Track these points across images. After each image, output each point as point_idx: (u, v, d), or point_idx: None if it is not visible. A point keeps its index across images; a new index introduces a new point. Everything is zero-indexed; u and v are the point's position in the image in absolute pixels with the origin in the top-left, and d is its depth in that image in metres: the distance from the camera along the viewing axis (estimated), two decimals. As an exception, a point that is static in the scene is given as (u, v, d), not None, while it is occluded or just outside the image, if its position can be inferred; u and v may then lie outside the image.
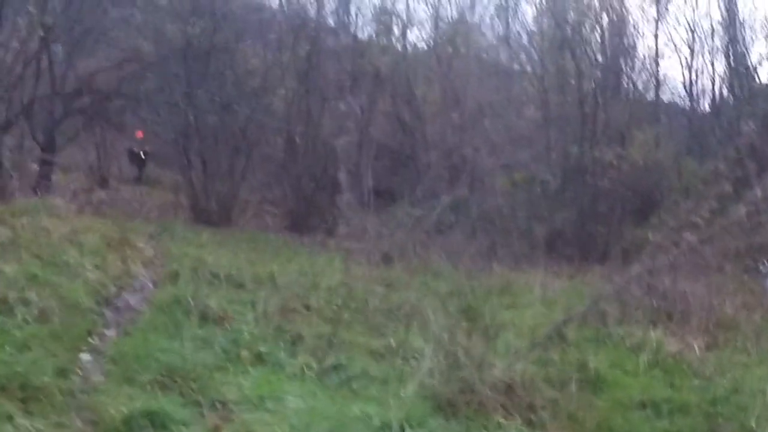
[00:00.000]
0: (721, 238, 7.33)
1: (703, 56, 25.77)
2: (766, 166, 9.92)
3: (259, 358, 7.39)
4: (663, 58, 24.91)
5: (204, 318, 8.47)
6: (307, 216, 21.58)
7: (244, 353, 7.43)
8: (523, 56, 25.79)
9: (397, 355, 7.79)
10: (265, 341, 7.84)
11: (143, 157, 26.87)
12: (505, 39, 27.06)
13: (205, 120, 21.62)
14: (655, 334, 9.21)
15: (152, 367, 6.67)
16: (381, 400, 6.44)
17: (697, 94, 26.48)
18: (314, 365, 7.34)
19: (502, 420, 6.29)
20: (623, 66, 25.01)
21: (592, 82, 23.24)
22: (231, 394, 6.36)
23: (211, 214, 21.61)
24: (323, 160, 22.28)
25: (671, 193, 21.03)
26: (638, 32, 25.76)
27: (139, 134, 25.79)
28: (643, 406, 7.18)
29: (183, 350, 7.17)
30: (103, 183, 24.33)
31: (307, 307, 9.46)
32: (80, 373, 6.49)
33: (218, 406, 6.17)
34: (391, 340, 8.10)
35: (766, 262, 16.35)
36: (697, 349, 8.93)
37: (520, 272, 14.87)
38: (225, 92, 21.94)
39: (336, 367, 7.30)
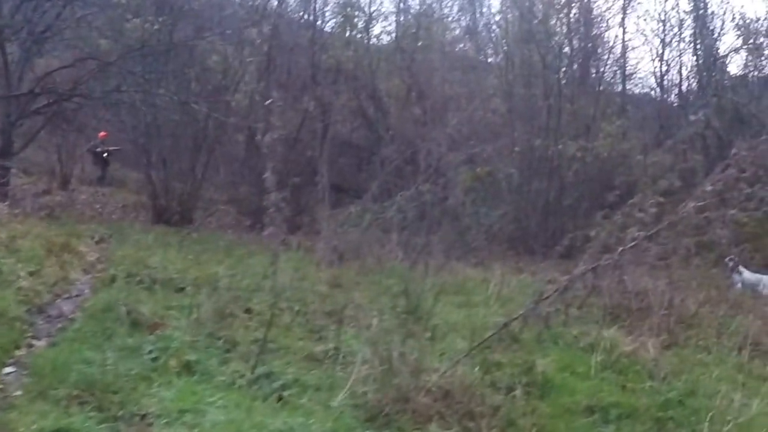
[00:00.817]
0: (671, 233, 6.92)
1: (671, 48, 25.55)
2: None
3: (187, 368, 6.93)
4: (632, 49, 24.63)
5: (135, 325, 8.03)
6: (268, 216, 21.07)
7: (172, 362, 6.98)
8: (488, 49, 25.42)
9: (336, 361, 7.36)
10: (196, 349, 7.39)
11: (106, 157, 26.51)
12: (471, 32, 26.67)
13: (165, 119, 21.28)
14: (609, 334, 8.81)
15: (71, 380, 6.24)
16: (310, 410, 6.08)
17: (668, 86, 26.30)
18: (246, 373, 6.88)
19: (437, 429, 5.88)
20: (590, 58, 24.68)
21: (558, 74, 22.90)
22: (152, 407, 5.95)
23: (172, 214, 21.22)
24: (285, 158, 21.80)
25: (638, 186, 20.70)
26: (606, 24, 25.53)
27: (102, 135, 25.42)
28: (590, 411, 6.78)
29: (107, 361, 6.73)
30: (65, 185, 24.01)
31: (248, 311, 9.03)
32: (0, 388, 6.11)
33: (137, 420, 5.77)
34: (331, 345, 7.66)
35: (732, 257, 16.09)
36: (651, 348, 8.52)
37: (480, 269, 14.54)
38: (185, 90, 21.50)
39: (268, 375, 6.84)
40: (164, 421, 5.74)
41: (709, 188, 6.70)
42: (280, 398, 6.40)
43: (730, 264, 16.15)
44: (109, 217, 21.23)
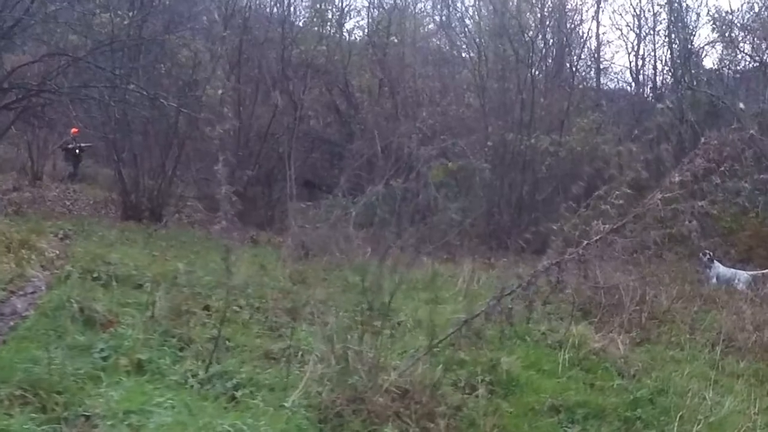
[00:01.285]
0: (637, 226, 6.68)
1: (646, 42, 25.42)
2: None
3: (139, 367, 6.63)
4: (607, 44, 24.45)
5: (88, 323, 7.71)
6: (242, 211, 20.75)
7: (123, 361, 6.67)
8: (462, 44, 25.17)
9: (293, 359, 7.07)
10: (150, 347, 7.08)
11: (78, 153, 26.20)
12: (445, 26, 26.43)
13: (135, 114, 20.78)
14: (578, 330, 8.59)
15: (14, 380, 5.93)
16: (261, 410, 5.80)
17: (643, 80, 26.16)
18: (199, 372, 6.58)
19: (393, 430, 5.63)
20: (564, 52, 24.49)
21: (532, 68, 22.69)
22: (98, 408, 5.64)
23: (142, 210, 20.84)
24: (257, 153, 21.58)
25: (607, 178, 20.48)
26: (581, 18, 25.35)
27: (74, 131, 25.09)
28: (555, 410, 6.56)
29: (55, 360, 6.42)
30: (35, 181, 23.70)
31: (207, 308, 8.70)
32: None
33: (81, 421, 5.48)
34: (288, 342, 7.37)
35: (707, 251, 15.93)
36: (621, 345, 8.32)
37: (450, 264, 14.30)
38: (155, 85, 21.03)
39: (222, 374, 6.54)
40: (109, 422, 5.44)
41: (676, 179, 6.47)
42: (232, 398, 6.13)
43: (705, 258, 15.98)
44: (79, 214, 20.82)
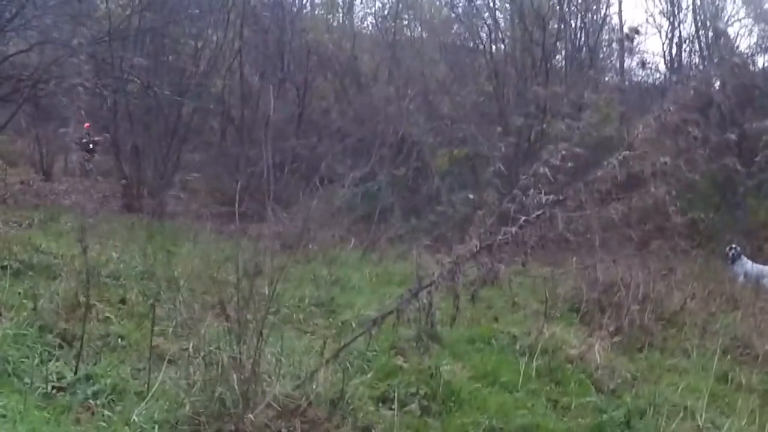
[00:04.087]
0: (589, 198, 5.19)
1: (674, 24, 23.80)
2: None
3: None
4: (633, 28, 22.78)
5: (-32, 317, 6.49)
6: (240, 202, 19.58)
7: (-16, 362, 5.46)
8: (475, 30, 23.72)
9: (192, 362, 5.72)
10: (19, 344, 5.80)
11: (92, 148, 25.38)
12: (458, 11, 25.09)
13: (138, 106, 20.18)
14: (557, 333, 7.14)
15: None
16: (106, 423, 4.70)
17: (669, 64, 24.50)
18: (67, 375, 5.43)
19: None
20: (585, 37, 22.97)
21: (551, 55, 21.21)
22: None
23: (143, 203, 19.83)
24: (261, 144, 20.41)
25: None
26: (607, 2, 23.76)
27: (87, 125, 24.28)
28: None
29: None
30: (47, 176, 23.00)
31: (123, 301, 7.45)
32: None
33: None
34: (194, 342, 6.02)
35: (734, 246, 14.31)
36: (601, 351, 6.81)
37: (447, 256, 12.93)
38: (157, 76, 20.24)
39: (88, 378, 5.31)
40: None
41: (640, 132, 5.04)
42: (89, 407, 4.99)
43: (731, 253, 14.29)
44: (82, 207, 19.83)
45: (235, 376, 4.70)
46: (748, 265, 14.20)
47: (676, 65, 24.09)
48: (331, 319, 7.67)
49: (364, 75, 22.24)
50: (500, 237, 4.96)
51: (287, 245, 12.33)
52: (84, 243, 6.23)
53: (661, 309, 9.36)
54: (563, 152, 5.19)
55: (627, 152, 5.06)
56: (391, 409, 5.38)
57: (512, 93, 20.68)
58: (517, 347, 7.05)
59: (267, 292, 8.24)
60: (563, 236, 5.05)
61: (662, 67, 24.91)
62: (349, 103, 21.87)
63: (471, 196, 10.09)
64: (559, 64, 22.32)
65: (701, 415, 5.78)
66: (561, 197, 5.04)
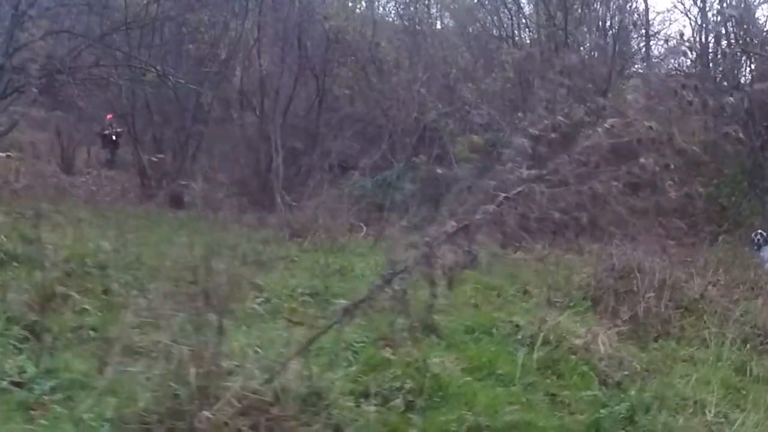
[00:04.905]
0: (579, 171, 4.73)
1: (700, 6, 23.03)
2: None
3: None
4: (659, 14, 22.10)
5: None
6: (263, 195, 19.29)
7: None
8: (499, 16, 23.26)
9: (164, 356, 5.36)
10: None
11: (115, 139, 25.30)
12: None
13: (156, 96, 20.01)
14: (561, 321, 6.68)
15: None
16: (55, 422, 4.37)
17: (694, 45, 23.70)
18: (29, 369, 5.12)
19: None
20: (610, 23, 22.38)
21: (573, 40, 20.66)
22: None
23: (161, 193, 19.60)
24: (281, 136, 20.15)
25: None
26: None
27: (110, 117, 24.26)
28: None
29: None
30: (69, 168, 22.84)
31: (106, 292, 7.06)
32: None
33: None
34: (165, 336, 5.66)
35: (761, 231, 13.71)
36: (606, 341, 6.34)
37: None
38: (176, 65, 20.30)
39: (49, 373, 5.05)
40: None
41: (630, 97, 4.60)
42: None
43: (757, 239, 13.68)
44: (103, 199, 19.72)
45: (193, 370, 4.31)
46: (775, 251, 13.59)
47: (703, 51, 23.39)
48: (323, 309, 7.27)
49: (386, 63, 21.76)
50: (478, 217, 4.52)
51: (296, 234, 12.12)
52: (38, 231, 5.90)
53: (680, 296, 8.89)
54: (546, 121, 4.72)
55: (615, 120, 4.60)
56: (374, 404, 4.99)
57: (535, 79, 20.17)
58: (519, 337, 6.62)
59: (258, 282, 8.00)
60: (557, 217, 4.57)
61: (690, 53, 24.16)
62: (371, 90, 21.51)
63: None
64: (584, 51, 21.70)
65: (711, 410, 5.33)
66: (543, 172, 4.60)
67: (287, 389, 4.46)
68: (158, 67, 18.99)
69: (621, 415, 5.13)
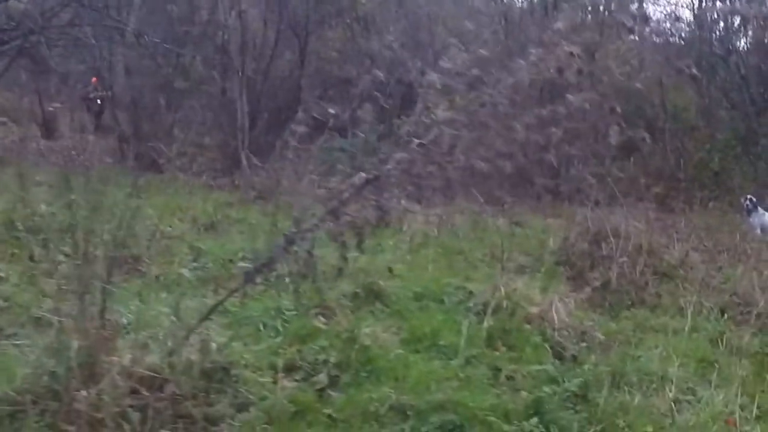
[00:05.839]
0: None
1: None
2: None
3: None
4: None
5: None
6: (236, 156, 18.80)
7: None
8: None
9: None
10: None
11: (100, 103, 24.77)
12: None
13: (134, 58, 19.50)
14: (519, 287, 6.15)
15: None
16: None
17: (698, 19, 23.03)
18: None
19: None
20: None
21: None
22: None
23: (140, 159, 19.10)
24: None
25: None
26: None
27: (94, 80, 23.76)
28: (401, 415, 4.15)
29: None
30: (51, 132, 22.38)
31: (32, 258, 6.61)
32: None
33: None
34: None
35: (750, 196, 13.16)
36: (558, 311, 5.79)
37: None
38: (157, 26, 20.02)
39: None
40: None
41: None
42: None
43: (746, 205, 13.12)
44: (81, 164, 19.21)
45: (75, 343, 3.78)
46: (765, 217, 13.05)
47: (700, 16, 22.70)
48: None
49: (371, 22, 21.20)
50: (389, 167, 4.00)
51: (260, 196, 11.64)
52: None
53: (658, 262, 8.36)
54: (465, 55, 4.19)
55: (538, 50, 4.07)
56: (295, 380, 4.48)
57: (523, 38, 19.59)
58: (471, 305, 6.07)
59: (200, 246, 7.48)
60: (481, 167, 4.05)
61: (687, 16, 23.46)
62: (359, 51, 20.99)
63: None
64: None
65: (675, 385, 4.81)
66: (456, 114, 4.08)
67: (191, 364, 3.95)
68: (133, 27, 18.49)
69: (570, 393, 4.60)
